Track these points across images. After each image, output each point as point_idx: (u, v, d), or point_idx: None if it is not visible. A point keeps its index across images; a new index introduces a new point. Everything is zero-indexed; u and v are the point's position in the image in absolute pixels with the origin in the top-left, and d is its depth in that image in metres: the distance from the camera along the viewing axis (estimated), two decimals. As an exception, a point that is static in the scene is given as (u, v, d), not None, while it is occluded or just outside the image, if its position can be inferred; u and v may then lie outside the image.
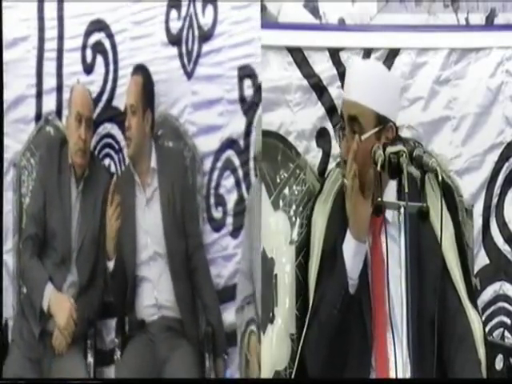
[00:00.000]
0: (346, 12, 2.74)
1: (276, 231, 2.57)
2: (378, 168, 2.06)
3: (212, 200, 2.85)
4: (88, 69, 2.95)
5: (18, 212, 2.89)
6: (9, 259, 2.92)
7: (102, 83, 2.96)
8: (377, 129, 2.25)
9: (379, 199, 2.07)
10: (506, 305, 3.02)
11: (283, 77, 2.66)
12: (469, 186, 2.88)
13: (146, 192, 2.77)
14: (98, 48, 2.93)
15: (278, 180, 2.59)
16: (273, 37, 2.65)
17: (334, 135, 2.48)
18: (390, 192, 2.28)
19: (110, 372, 2.83)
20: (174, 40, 2.88)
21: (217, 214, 2.84)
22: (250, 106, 2.72)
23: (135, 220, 2.70)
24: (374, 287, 2.26)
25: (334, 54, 2.71)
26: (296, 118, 2.68)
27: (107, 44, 2.92)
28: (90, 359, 2.76)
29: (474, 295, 2.39)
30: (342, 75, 2.69)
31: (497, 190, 2.97)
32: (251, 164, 2.75)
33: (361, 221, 2.20)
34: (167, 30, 2.88)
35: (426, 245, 2.27)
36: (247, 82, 2.75)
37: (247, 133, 2.74)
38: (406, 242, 1.99)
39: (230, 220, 2.82)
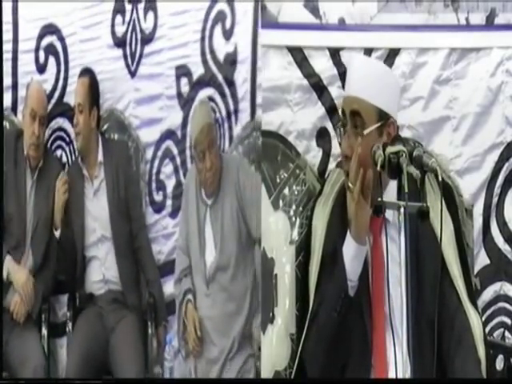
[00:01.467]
0: (346, 12, 2.74)
1: (276, 231, 2.57)
2: (378, 168, 2.06)
3: (153, 185, 3.11)
4: (41, 68, 3.19)
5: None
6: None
7: (53, 82, 3.18)
8: (379, 124, 2.25)
9: (379, 199, 2.06)
10: (506, 305, 3.02)
11: (283, 76, 2.66)
12: (469, 186, 2.88)
13: (93, 184, 3.05)
14: (51, 50, 3.17)
15: (278, 180, 2.59)
16: (273, 37, 2.65)
17: (335, 133, 2.48)
18: (390, 192, 2.28)
19: (63, 342, 3.08)
20: (119, 42, 3.13)
21: (158, 197, 3.11)
22: (186, 101, 2.97)
23: (84, 209, 3.02)
24: (373, 288, 2.26)
25: (334, 53, 2.70)
26: (296, 118, 2.68)
27: (58, 46, 3.18)
28: (44, 331, 3.00)
29: (473, 295, 2.38)
30: (342, 75, 2.69)
31: (497, 190, 2.97)
32: (187, 152, 2.99)
33: (362, 223, 2.20)
34: (113, 33, 3.13)
35: (425, 245, 2.27)
36: (184, 80, 2.98)
37: (184, 125, 2.97)
38: (406, 242, 1.98)
39: (169, 202, 3.07)
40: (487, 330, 2.97)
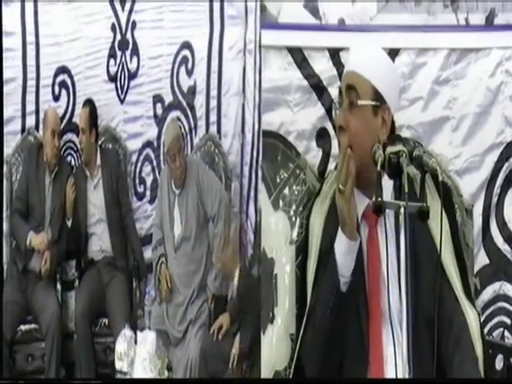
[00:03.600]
0: (346, 12, 2.74)
1: (276, 231, 2.57)
2: (378, 168, 2.06)
3: (137, 181, 4.30)
4: (56, 98, 4.31)
5: (9, 193, 4.15)
6: (4, 225, 4.05)
7: (65, 107, 4.31)
8: (373, 102, 2.23)
9: (379, 199, 2.06)
10: (505, 305, 3.03)
11: (283, 77, 2.66)
12: (469, 186, 2.88)
13: (93, 181, 4.12)
14: (63, 84, 4.32)
15: (278, 180, 2.59)
16: (273, 37, 2.65)
17: (333, 109, 2.47)
18: (385, 192, 2.27)
19: (72, 294, 4.10)
20: (112, 78, 4.30)
21: (140, 189, 4.30)
22: (160, 120, 4.14)
23: (87, 199, 4.10)
24: (369, 286, 2.26)
25: (334, 54, 2.71)
26: (296, 118, 2.68)
27: (69, 82, 4.32)
28: (59, 287, 4.07)
29: (470, 293, 2.37)
30: (341, 75, 2.69)
31: (497, 190, 2.98)
32: (161, 157, 4.12)
33: (348, 217, 2.19)
34: (108, 72, 4.30)
35: (422, 244, 2.27)
36: (158, 105, 4.15)
37: (159, 137, 4.15)
38: (406, 242, 1.98)
39: (148, 193, 4.26)
40: (487, 329, 2.97)
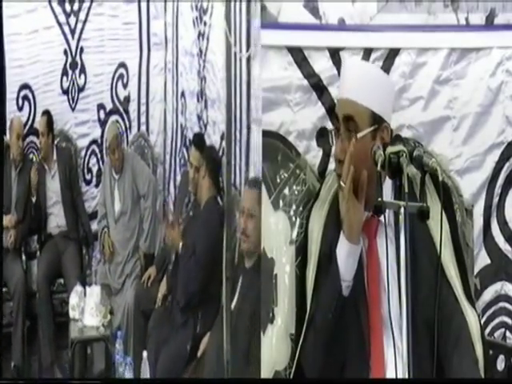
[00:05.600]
0: (346, 12, 2.73)
1: (276, 231, 2.56)
2: (378, 168, 2.06)
3: (85, 170, 5.45)
4: (20, 108, 5.45)
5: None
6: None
7: (27, 116, 5.46)
8: (372, 128, 2.23)
9: (379, 199, 2.06)
10: (507, 305, 3.02)
11: (283, 76, 2.65)
12: (469, 186, 2.88)
13: (51, 172, 5.12)
14: (26, 98, 5.47)
15: (278, 180, 2.59)
16: (273, 37, 2.64)
17: (330, 136, 2.48)
18: (385, 192, 2.27)
19: (34, 263, 5.06)
20: (65, 91, 5.47)
21: (88, 176, 5.45)
22: (103, 123, 5.35)
23: (45, 186, 5.09)
24: (370, 288, 2.25)
25: (334, 53, 2.70)
26: (296, 118, 2.68)
27: (30, 96, 5.47)
28: (24, 257, 5.03)
29: (471, 294, 2.37)
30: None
31: (497, 190, 2.97)
32: (104, 151, 5.26)
33: (354, 223, 2.19)
34: (61, 86, 5.47)
35: (421, 245, 2.26)
36: (101, 112, 5.38)
37: (102, 136, 5.34)
38: (406, 243, 1.98)
39: (94, 179, 5.42)
40: (488, 330, 2.97)
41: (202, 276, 3.78)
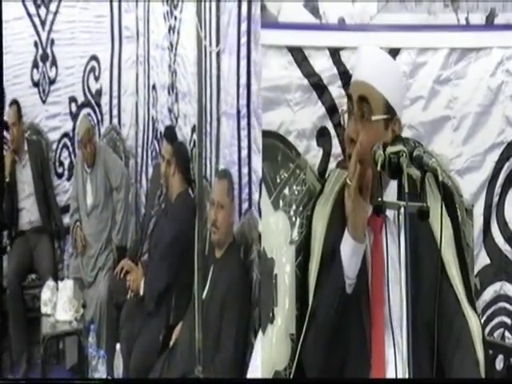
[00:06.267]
0: (345, 12, 2.73)
1: (276, 231, 2.56)
2: (379, 168, 2.05)
3: (57, 163, 5.42)
4: None
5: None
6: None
7: None
8: (386, 116, 2.23)
9: (379, 199, 2.05)
10: (506, 305, 3.02)
11: (283, 76, 2.65)
12: (469, 186, 2.87)
13: (22, 162, 5.10)
14: None
15: (278, 180, 2.59)
16: (273, 36, 2.64)
17: (341, 115, 2.45)
18: (391, 192, 2.27)
19: (5, 258, 4.96)
20: (36, 84, 5.44)
21: (59, 170, 5.43)
22: (74, 116, 5.35)
23: (16, 176, 5.06)
24: (373, 287, 2.25)
25: (334, 53, 2.70)
26: (296, 118, 2.67)
27: None
28: None
29: (472, 296, 2.37)
30: (342, 74, 2.69)
31: (497, 190, 2.97)
32: (76, 144, 5.24)
33: (360, 221, 2.19)
34: (32, 79, 5.45)
35: (424, 246, 2.26)
36: (73, 104, 5.37)
37: (73, 129, 5.33)
38: (407, 242, 1.97)
39: (66, 172, 5.39)
40: (487, 330, 2.97)
41: (168, 274, 3.81)
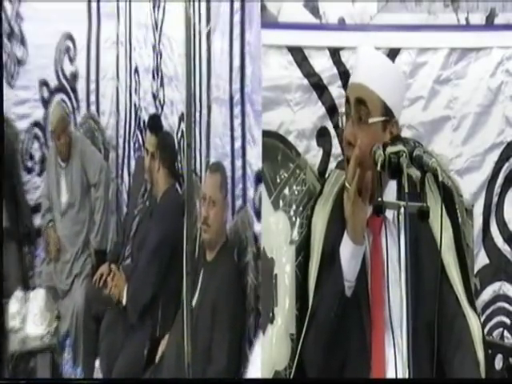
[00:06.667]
0: (346, 12, 2.74)
1: (276, 231, 2.56)
2: (378, 168, 2.05)
3: (26, 156, 4.86)
4: None
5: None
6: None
7: None
8: (384, 118, 2.22)
9: (379, 199, 2.05)
10: (505, 305, 3.02)
11: (283, 76, 2.65)
12: (469, 186, 2.87)
13: None
14: None
15: (278, 180, 2.59)
16: (273, 36, 2.64)
17: (340, 118, 2.45)
18: (390, 192, 2.27)
19: None
20: (1, 65, 4.60)
21: (29, 164, 4.88)
22: (46, 103, 4.77)
23: None
24: (372, 290, 2.25)
25: (334, 53, 2.70)
26: (296, 118, 2.67)
27: None
28: None
29: (472, 297, 2.36)
30: (342, 74, 2.69)
31: (497, 190, 2.97)
32: (48, 135, 4.70)
33: (358, 223, 2.19)
34: None
35: (424, 247, 2.26)
36: (44, 89, 4.81)
37: (45, 117, 4.76)
38: (406, 242, 1.97)
39: (37, 167, 4.85)
40: (486, 329, 2.97)
41: (154, 281, 3.50)
